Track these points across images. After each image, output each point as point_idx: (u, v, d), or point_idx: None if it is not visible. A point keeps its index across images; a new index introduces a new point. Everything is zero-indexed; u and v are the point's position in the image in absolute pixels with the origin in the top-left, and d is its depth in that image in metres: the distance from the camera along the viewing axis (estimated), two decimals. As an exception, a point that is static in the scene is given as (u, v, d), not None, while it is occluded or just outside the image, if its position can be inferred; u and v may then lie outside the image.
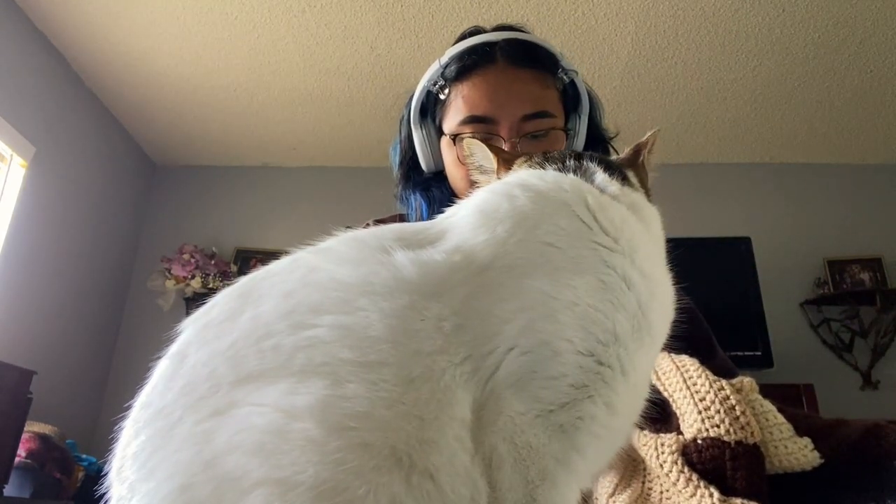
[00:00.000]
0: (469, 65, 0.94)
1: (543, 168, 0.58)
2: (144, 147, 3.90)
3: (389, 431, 0.38)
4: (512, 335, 0.44)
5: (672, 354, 0.63)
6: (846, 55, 2.93)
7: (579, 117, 0.99)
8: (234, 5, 2.75)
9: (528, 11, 2.71)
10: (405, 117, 1.04)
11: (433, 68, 0.98)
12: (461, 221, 0.51)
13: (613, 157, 0.65)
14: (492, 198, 0.53)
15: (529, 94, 0.92)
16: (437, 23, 2.80)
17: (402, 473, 0.37)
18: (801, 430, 0.57)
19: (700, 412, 0.56)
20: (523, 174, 0.57)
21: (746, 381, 0.59)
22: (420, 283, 0.44)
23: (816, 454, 0.55)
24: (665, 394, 0.60)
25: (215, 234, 3.81)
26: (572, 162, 0.58)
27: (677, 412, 0.59)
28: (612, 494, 0.62)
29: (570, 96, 0.98)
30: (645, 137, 0.63)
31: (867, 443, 0.54)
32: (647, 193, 0.61)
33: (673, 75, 3.11)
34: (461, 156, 0.91)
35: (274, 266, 0.49)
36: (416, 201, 1.05)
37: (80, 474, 2.54)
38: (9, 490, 2.15)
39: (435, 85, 0.96)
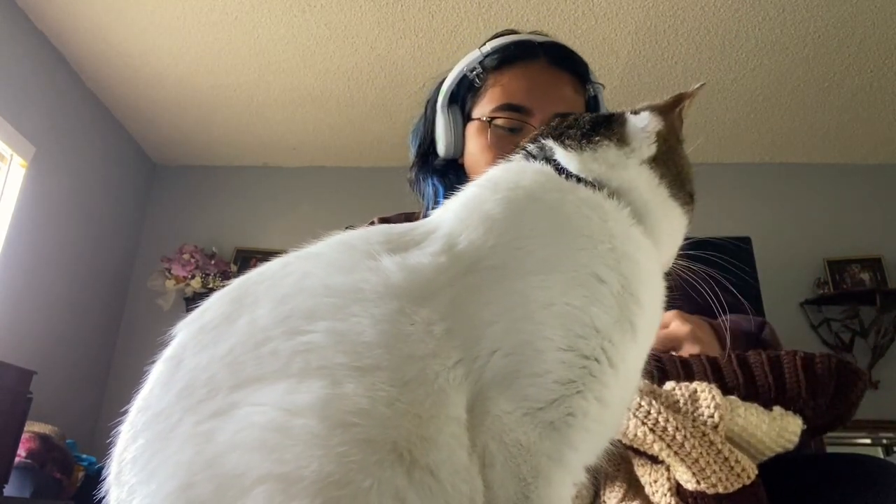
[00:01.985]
0: (511, 56, 0.98)
1: (512, 160, 0.59)
2: (144, 147, 3.89)
3: (390, 428, 0.39)
4: (496, 337, 0.45)
5: (635, 405, 0.58)
6: (846, 55, 2.93)
7: None
8: (234, 5, 2.74)
9: (528, 11, 2.71)
10: (432, 100, 1.05)
11: (472, 55, 1.00)
12: (446, 223, 0.52)
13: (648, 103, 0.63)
14: (471, 199, 0.54)
15: (565, 96, 0.97)
16: (437, 23, 2.80)
17: (404, 468, 0.38)
18: (768, 403, 0.57)
19: (693, 473, 0.53)
20: (493, 172, 0.57)
21: (721, 411, 0.55)
22: (407, 287, 0.45)
23: (796, 418, 0.56)
24: (647, 449, 0.57)
25: (215, 234, 3.81)
26: (533, 147, 0.58)
27: (665, 460, 0.56)
28: (622, 500, 0.61)
29: (591, 111, 1.02)
30: (690, 89, 0.62)
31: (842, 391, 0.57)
32: (679, 142, 0.61)
33: (673, 75, 3.10)
34: (491, 141, 0.94)
35: (265, 269, 0.49)
36: (433, 186, 1.06)
37: (80, 474, 2.54)
38: (9, 490, 2.14)
39: (472, 71, 0.99)
